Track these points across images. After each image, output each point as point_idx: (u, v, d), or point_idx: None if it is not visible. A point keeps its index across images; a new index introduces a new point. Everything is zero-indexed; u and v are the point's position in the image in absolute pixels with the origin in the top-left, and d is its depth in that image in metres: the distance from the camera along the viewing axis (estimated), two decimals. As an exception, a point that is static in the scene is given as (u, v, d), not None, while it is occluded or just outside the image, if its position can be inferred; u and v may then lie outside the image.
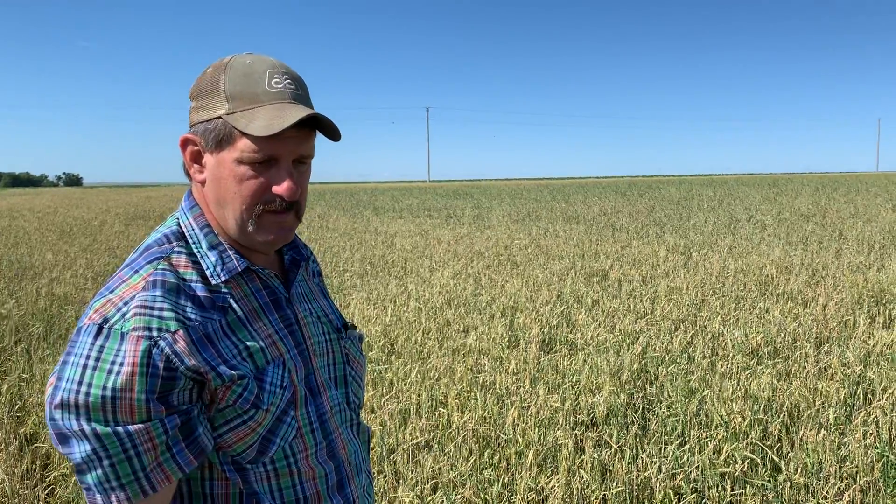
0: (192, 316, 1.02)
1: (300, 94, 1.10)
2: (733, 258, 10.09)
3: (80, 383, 0.95)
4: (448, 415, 4.13)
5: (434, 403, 4.40)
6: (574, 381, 4.70)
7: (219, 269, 1.08)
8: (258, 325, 1.11)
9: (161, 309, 0.99)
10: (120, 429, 0.96)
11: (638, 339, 5.66)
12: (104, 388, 0.94)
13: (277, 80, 1.08)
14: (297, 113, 1.03)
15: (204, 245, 1.10)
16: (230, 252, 1.11)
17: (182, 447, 1.01)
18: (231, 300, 1.09)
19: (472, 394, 4.52)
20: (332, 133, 1.12)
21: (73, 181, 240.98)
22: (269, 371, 1.09)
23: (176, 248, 1.08)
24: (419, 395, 4.48)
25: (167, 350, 0.97)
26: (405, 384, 4.71)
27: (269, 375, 1.08)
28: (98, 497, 0.98)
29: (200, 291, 1.06)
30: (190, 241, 1.11)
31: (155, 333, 0.97)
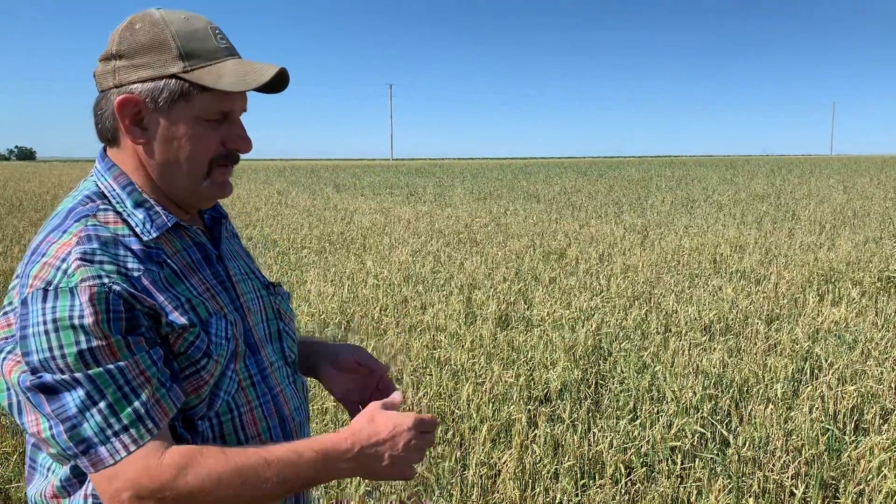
0: (133, 266, 1.01)
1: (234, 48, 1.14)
2: (689, 237, 10.23)
3: (50, 349, 0.93)
4: (403, 391, 4.12)
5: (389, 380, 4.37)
6: (529, 357, 4.72)
7: (148, 225, 1.07)
8: (194, 280, 1.10)
9: (101, 262, 0.97)
10: (111, 366, 0.95)
11: (593, 315, 5.70)
12: (77, 343, 0.93)
13: (221, 36, 1.11)
14: (268, 68, 1.07)
15: (129, 204, 1.08)
16: (158, 209, 1.10)
17: (171, 383, 1.01)
18: (164, 256, 1.08)
19: (428, 370, 4.51)
20: (276, 87, 1.14)
21: (27, 155, 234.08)
22: (214, 323, 1.09)
23: (101, 206, 1.07)
24: (374, 372, 4.44)
25: (124, 293, 0.96)
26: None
27: (213, 327, 1.09)
28: (102, 450, 0.94)
29: (135, 245, 1.04)
30: (112, 200, 1.09)
31: (105, 280, 0.96)
